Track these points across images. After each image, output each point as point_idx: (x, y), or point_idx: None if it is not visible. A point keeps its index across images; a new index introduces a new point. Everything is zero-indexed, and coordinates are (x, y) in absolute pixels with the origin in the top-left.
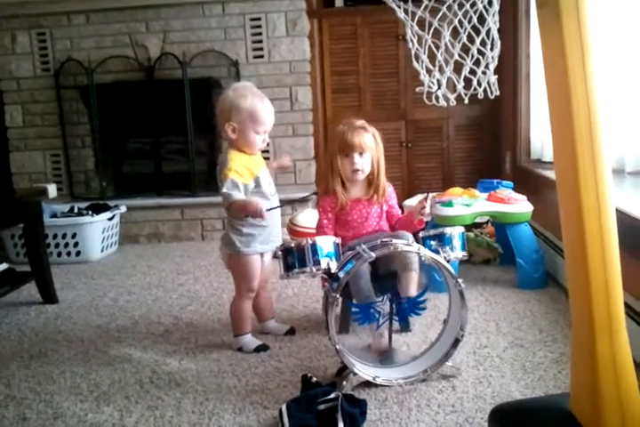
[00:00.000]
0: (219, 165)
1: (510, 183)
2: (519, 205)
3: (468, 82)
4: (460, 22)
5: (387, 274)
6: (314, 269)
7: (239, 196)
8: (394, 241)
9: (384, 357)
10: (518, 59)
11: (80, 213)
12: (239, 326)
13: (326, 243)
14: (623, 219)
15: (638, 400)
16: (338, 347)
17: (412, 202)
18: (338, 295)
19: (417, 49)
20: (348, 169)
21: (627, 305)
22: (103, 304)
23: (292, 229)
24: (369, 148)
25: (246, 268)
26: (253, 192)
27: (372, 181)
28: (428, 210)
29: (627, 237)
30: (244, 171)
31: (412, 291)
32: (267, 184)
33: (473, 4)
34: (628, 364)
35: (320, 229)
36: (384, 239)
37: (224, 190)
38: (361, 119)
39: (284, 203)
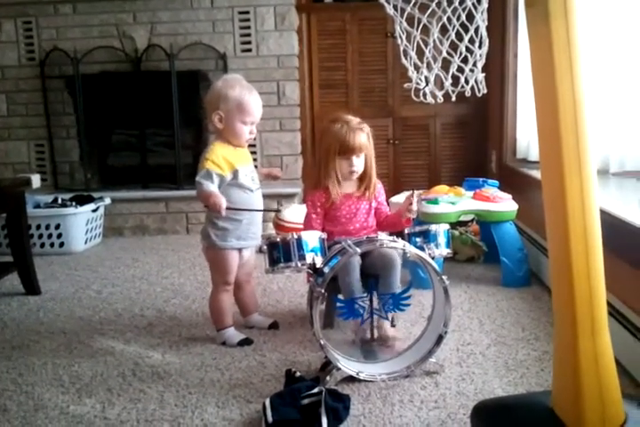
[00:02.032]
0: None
1: (496, 182)
2: (504, 203)
3: (455, 79)
4: (449, 19)
5: (371, 271)
6: (299, 264)
7: (210, 186)
8: (379, 237)
9: (368, 352)
10: (506, 58)
11: (64, 205)
12: (219, 320)
13: (312, 238)
14: (607, 219)
15: (619, 399)
16: (322, 342)
17: (398, 199)
18: (323, 290)
19: (405, 45)
20: (345, 170)
21: (609, 304)
22: (86, 296)
23: (278, 224)
24: (365, 148)
25: (222, 262)
26: (230, 184)
27: (363, 178)
28: (415, 207)
29: (610, 237)
30: (222, 162)
31: (396, 288)
32: (246, 178)
33: (462, 2)
34: (609, 363)
35: (308, 224)
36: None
37: (197, 179)
38: (354, 116)
39: (250, 209)
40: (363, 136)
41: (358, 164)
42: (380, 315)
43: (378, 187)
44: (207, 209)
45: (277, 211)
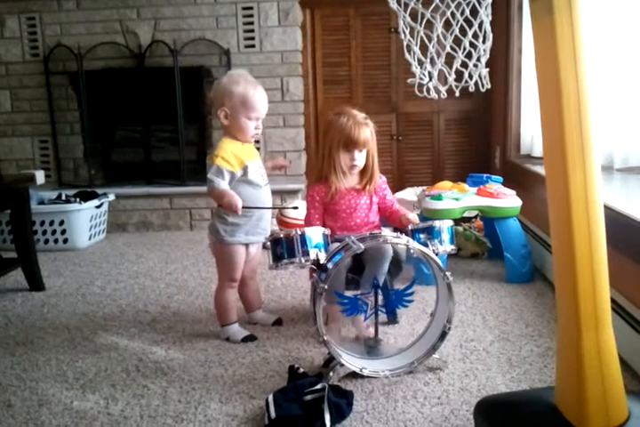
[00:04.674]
0: (210, 153)
1: (500, 178)
2: (508, 199)
3: (459, 75)
4: (453, 14)
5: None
6: (303, 260)
7: (221, 183)
8: (383, 233)
9: (371, 348)
10: (510, 53)
11: (68, 201)
12: (224, 316)
13: (315, 234)
14: (611, 215)
15: (623, 395)
16: (325, 338)
17: (402, 195)
18: (326, 286)
19: (409, 40)
20: (347, 163)
21: (612, 300)
22: (90, 292)
23: (281, 220)
24: (369, 143)
25: (229, 258)
26: (240, 180)
27: (365, 172)
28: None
29: (614, 233)
30: (232, 159)
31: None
32: (256, 174)
33: None
34: (613, 359)
35: (307, 219)
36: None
37: (208, 176)
38: (360, 111)
39: (266, 207)
40: (367, 131)
41: (360, 158)
42: (384, 311)
43: (379, 181)
44: (219, 207)
45: (295, 208)
